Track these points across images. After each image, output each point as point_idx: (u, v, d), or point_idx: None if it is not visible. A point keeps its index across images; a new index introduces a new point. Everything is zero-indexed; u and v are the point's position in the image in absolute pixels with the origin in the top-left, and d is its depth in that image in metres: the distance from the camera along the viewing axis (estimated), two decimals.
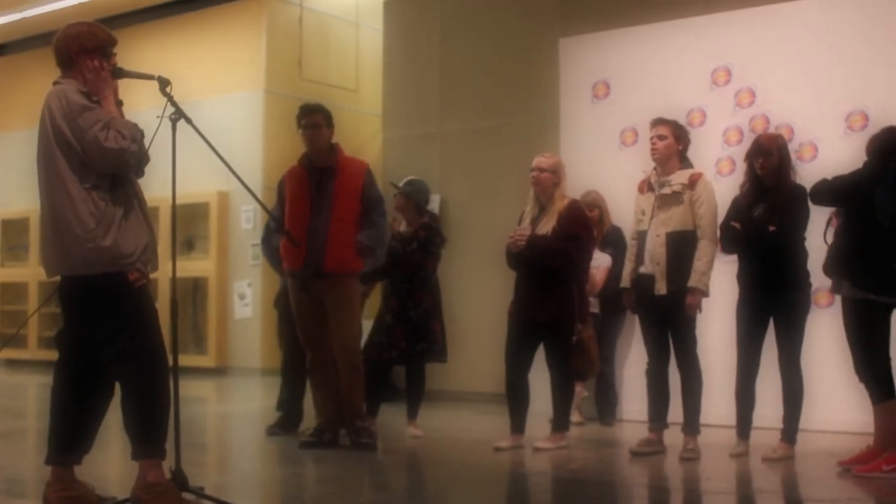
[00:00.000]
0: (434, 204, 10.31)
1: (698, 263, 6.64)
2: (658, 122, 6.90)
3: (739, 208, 6.73)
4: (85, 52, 4.86)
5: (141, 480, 4.76)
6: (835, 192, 6.30)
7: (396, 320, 7.64)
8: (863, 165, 6.26)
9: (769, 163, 6.60)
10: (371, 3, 14.18)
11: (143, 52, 12.21)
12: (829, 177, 6.36)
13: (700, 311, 6.77)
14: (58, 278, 4.86)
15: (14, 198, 15.58)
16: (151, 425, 4.77)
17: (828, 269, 6.40)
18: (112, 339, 4.75)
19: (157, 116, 4.87)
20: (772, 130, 7.90)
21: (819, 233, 6.53)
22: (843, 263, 6.26)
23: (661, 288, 6.71)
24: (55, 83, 4.89)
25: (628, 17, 9.21)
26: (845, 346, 6.48)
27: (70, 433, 4.92)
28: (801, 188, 6.59)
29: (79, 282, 4.74)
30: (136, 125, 4.77)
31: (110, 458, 6.28)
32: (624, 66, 9.07)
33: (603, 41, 9.27)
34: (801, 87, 8.23)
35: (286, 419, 7.88)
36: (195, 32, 14.57)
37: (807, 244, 6.67)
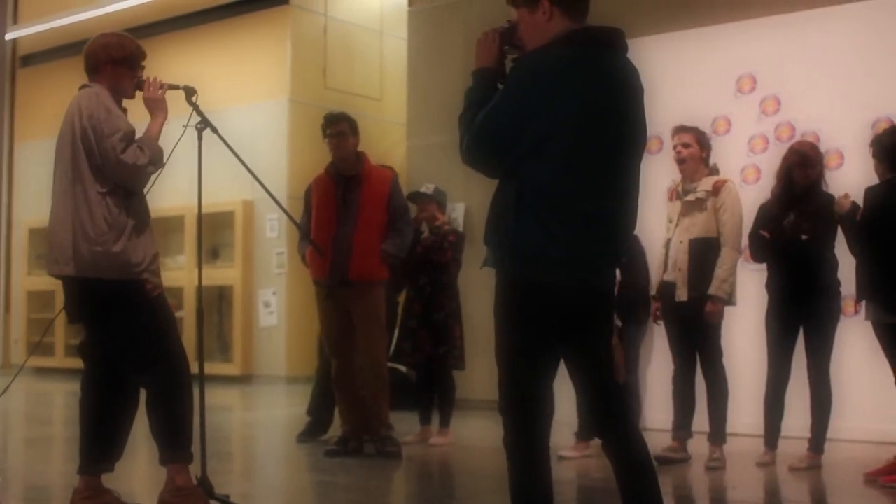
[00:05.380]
0: (458, 212, 10.33)
1: (719, 271, 6.60)
2: (680, 129, 6.88)
3: (769, 216, 6.69)
4: (112, 63, 4.92)
5: (170, 484, 4.81)
6: (862, 238, 6.30)
7: (420, 324, 7.69)
8: (866, 198, 6.31)
9: (813, 174, 6.58)
10: (395, 11, 14.23)
11: (169, 61, 12.26)
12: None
13: (721, 319, 6.73)
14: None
15: (40, 206, 15.59)
16: (177, 431, 4.83)
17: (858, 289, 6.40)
18: (131, 347, 4.79)
19: (184, 126, 4.91)
20: (797, 138, 7.86)
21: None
22: (869, 288, 6.26)
23: (681, 294, 6.68)
24: (83, 86, 4.94)
25: (652, 25, 9.19)
26: (872, 355, 6.45)
27: (100, 442, 4.95)
28: (832, 197, 6.56)
29: (92, 286, 4.76)
30: (161, 150, 4.83)
31: (137, 466, 6.31)
32: (648, 75, 8.95)
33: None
34: (827, 94, 8.19)
35: (316, 425, 7.88)
36: (221, 42, 14.64)
37: (836, 252, 6.63)
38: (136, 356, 4.80)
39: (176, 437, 4.83)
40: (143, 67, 5.04)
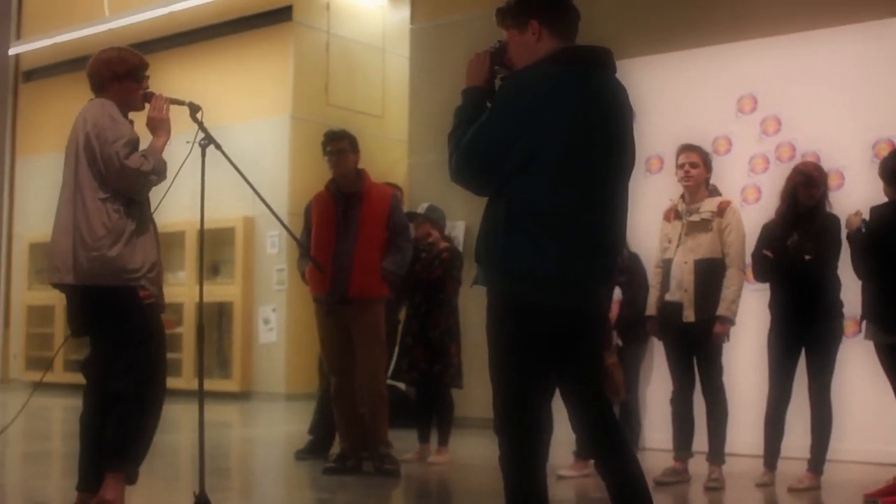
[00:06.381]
0: (459, 230, 10.33)
1: (727, 292, 6.61)
2: (688, 148, 6.86)
3: (772, 237, 6.69)
4: (117, 79, 4.93)
5: (99, 497, 4.71)
6: (865, 257, 6.30)
7: (416, 341, 7.70)
8: (871, 217, 6.31)
9: (817, 194, 6.58)
10: (397, 29, 14.27)
11: (171, 77, 12.28)
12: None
13: (728, 340, 6.74)
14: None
15: (41, 221, 15.65)
16: (130, 441, 4.75)
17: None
18: (116, 355, 4.75)
19: (188, 142, 4.91)
20: (798, 158, 7.88)
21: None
22: (870, 308, 6.27)
23: (689, 315, 6.67)
24: (91, 100, 4.95)
25: (652, 45, 9.22)
26: (873, 376, 6.43)
27: (99, 459, 4.92)
28: (836, 218, 6.57)
29: (91, 294, 4.73)
30: (165, 163, 4.84)
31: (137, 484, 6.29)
32: (649, 94, 9.03)
33: (628, 69, 9.14)
34: (828, 115, 8.21)
35: (317, 444, 7.87)
36: (223, 58, 14.67)
37: (839, 272, 6.63)
38: (118, 364, 4.74)
39: (127, 447, 4.74)
40: (148, 77, 5.05)
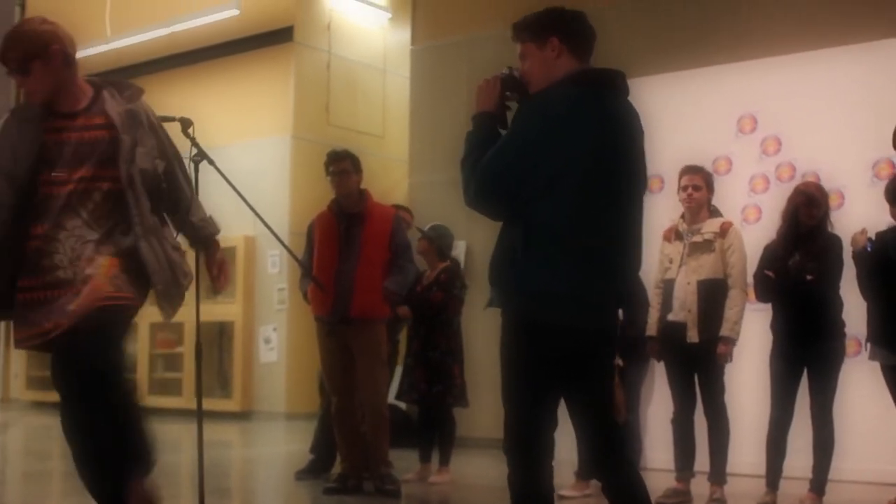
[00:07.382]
0: (459, 250, 10.32)
1: (730, 313, 6.60)
2: (691, 170, 6.86)
3: (774, 257, 6.68)
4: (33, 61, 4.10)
5: None
6: (871, 276, 6.31)
7: (417, 362, 7.69)
8: (877, 241, 6.31)
9: (818, 214, 6.58)
10: (398, 49, 14.31)
11: (172, 97, 12.28)
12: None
13: (731, 360, 6.72)
14: None
15: None
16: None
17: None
18: None
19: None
20: (798, 178, 7.89)
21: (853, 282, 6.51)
22: (876, 330, 6.26)
23: (692, 336, 6.66)
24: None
25: (653, 65, 9.23)
26: (875, 396, 6.42)
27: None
28: (837, 238, 6.56)
29: None
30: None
31: None
32: (650, 114, 8.97)
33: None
34: (828, 134, 8.22)
35: (318, 463, 7.84)
36: (224, 78, 14.69)
37: (841, 293, 6.62)
38: None
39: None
40: (56, 47, 4.13)
